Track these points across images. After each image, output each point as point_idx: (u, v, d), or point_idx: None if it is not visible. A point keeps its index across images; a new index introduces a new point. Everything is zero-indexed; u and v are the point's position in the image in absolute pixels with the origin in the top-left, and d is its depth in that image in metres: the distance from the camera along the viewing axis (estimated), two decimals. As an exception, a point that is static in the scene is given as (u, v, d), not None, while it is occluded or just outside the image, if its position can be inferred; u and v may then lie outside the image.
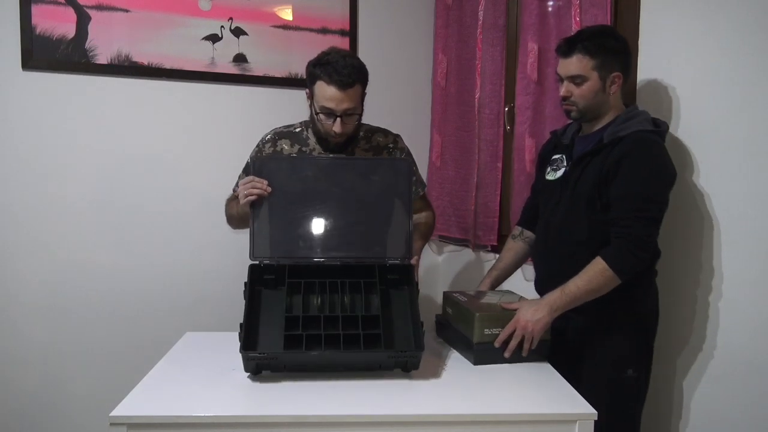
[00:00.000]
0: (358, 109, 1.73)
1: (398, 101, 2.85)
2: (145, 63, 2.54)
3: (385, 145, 1.90)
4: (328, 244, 1.66)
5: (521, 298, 1.74)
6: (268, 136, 1.88)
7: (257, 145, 1.89)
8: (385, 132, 1.93)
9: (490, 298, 1.74)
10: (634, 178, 1.56)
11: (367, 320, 1.52)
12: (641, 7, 1.84)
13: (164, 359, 1.59)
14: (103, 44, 2.48)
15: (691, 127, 1.70)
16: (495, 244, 2.52)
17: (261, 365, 1.45)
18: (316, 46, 2.46)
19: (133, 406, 1.30)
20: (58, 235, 2.50)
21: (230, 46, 2.64)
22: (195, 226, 2.64)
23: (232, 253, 2.45)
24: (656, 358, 1.71)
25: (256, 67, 2.68)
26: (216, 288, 2.62)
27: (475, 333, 1.57)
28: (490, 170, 2.55)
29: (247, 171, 1.82)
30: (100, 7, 2.47)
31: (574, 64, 1.65)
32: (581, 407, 1.35)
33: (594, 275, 1.56)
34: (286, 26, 2.70)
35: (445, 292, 1.80)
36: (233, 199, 1.85)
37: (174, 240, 2.63)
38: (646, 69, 1.83)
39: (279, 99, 2.69)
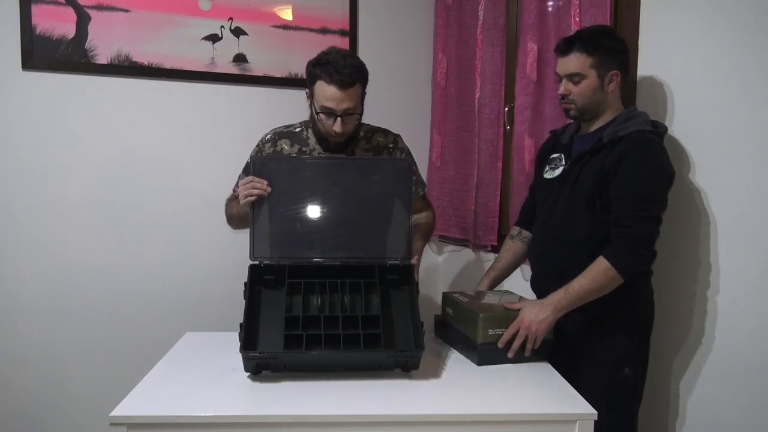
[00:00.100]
0: (358, 109, 1.73)
1: (398, 101, 2.85)
2: (145, 63, 2.54)
3: (385, 145, 1.90)
4: (328, 244, 1.66)
5: (521, 298, 1.74)
6: (268, 136, 1.88)
7: (257, 145, 1.89)
8: (386, 132, 1.93)
9: (491, 299, 1.73)
10: (634, 178, 1.57)
11: (367, 320, 1.52)
12: (641, 7, 1.84)
13: (164, 359, 1.59)
14: (103, 44, 2.48)
15: (691, 126, 1.70)
16: (495, 244, 2.52)
17: (261, 365, 1.45)
18: (316, 46, 2.46)
19: (133, 406, 1.30)
20: (58, 235, 2.50)
21: (230, 46, 2.64)
22: (195, 226, 2.64)
23: (232, 253, 2.45)
24: (654, 357, 1.71)
25: (256, 67, 2.68)
26: (216, 288, 2.62)
27: (479, 334, 1.57)
28: (490, 170, 2.55)
29: (247, 171, 1.82)
30: (100, 7, 2.47)
31: (572, 62, 1.65)
32: (581, 407, 1.35)
33: (597, 275, 1.56)
34: (286, 26, 2.70)
35: (444, 293, 1.80)
36: (233, 199, 1.85)
37: (174, 240, 2.64)
38: (645, 69, 1.83)
39: (279, 99, 2.70)
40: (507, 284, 2.01)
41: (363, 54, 2.65)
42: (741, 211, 1.57)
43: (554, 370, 1.56)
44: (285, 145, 1.86)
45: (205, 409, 1.29)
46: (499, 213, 2.52)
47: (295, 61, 2.69)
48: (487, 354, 1.58)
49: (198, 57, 2.60)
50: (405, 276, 1.64)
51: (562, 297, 1.58)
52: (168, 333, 1.99)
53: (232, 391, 1.40)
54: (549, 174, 1.80)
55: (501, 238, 2.49)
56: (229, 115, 2.67)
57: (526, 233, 1.95)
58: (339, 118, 1.69)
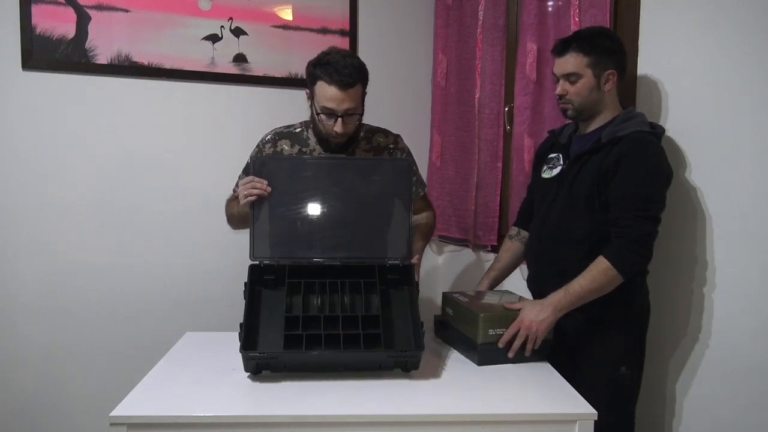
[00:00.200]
0: (358, 109, 1.73)
1: (398, 101, 2.85)
2: (145, 63, 2.54)
3: (385, 146, 1.90)
4: (328, 244, 1.66)
5: (521, 298, 1.74)
6: (269, 137, 1.88)
7: (257, 146, 1.89)
8: (386, 132, 1.93)
9: (491, 299, 1.74)
10: (633, 178, 1.57)
11: (367, 320, 1.52)
12: (641, 7, 1.84)
13: (164, 359, 1.59)
14: (103, 44, 2.48)
15: (691, 126, 1.70)
16: (495, 244, 2.52)
17: (261, 365, 1.45)
18: (316, 46, 2.46)
19: (133, 406, 1.30)
20: (58, 235, 2.50)
21: (230, 46, 2.64)
22: (195, 226, 2.64)
23: (232, 253, 2.45)
24: (653, 357, 1.72)
25: (256, 67, 2.68)
26: (216, 288, 2.62)
27: (479, 334, 1.57)
28: (490, 170, 2.55)
29: (247, 171, 1.82)
30: (100, 7, 2.47)
31: (569, 62, 1.66)
32: (581, 407, 1.35)
33: (597, 274, 1.56)
34: (286, 26, 2.70)
35: (444, 293, 1.80)
36: (233, 199, 1.85)
37: (174, 240, 2.63)
38: (646, 69, 1.83)
39: (279, 99, 2.70)
40: (507, 284, 2.01)
41: (363, 54, 2.65)
42: (740, 211, 1.57)
43: (554, 370, 1.56)
44: (285, 146, 1.86)
45: (205, 409, 1.29)
46: (499, 213, 2.52)
47: (295, 61, 2.69)
48: (487, 354, 1.58)
49: (198, 57, 2.60)
50: (405, 276, 1.64)
51: (562, 297, 1.58)
52: (168, 333, 1.99)
53: (232, 391, 1.40)
54: (547, 173, 1.81)
55: (501, 238, 2.49)
56: (229, 115, 2.67)
57: (524, 233, 1.95)
58: (340, 119, 1.69)
